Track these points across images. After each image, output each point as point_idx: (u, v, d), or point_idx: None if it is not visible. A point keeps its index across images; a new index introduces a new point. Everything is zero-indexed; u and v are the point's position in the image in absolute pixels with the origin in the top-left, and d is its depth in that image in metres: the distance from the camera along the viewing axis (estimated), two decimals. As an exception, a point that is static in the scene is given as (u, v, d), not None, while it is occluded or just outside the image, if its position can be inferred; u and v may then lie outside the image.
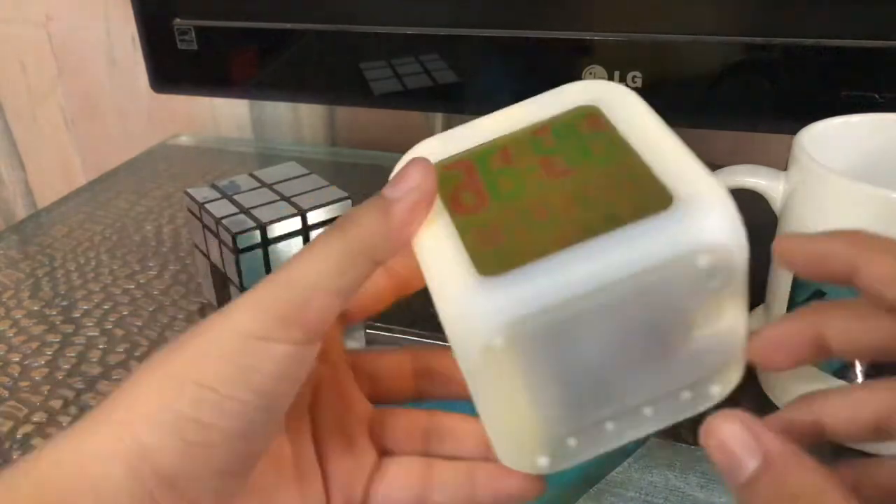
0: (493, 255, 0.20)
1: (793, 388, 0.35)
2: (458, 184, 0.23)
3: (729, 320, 0.21)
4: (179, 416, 0.20)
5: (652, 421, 0.22)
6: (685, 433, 0.35)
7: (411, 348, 0.27)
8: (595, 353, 0.21)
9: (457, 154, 0.24)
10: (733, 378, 0.22)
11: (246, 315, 0.21)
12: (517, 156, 0.23)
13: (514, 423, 0.22)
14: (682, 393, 0.22)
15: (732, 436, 0.17)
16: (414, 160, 0.22)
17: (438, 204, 0.22)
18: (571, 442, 0.22)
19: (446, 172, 0.23)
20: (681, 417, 0.22)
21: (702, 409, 0.22)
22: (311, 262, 0.21)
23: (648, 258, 0.19)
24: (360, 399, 0.26)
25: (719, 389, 0.22)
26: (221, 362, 0.20)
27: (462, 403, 0.24)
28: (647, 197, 0.20)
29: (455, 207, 0.22)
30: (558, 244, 0.20)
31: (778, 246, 0.21)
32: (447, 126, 0.69)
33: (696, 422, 0.20)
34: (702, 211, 0.19)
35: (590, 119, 0.23)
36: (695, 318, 0.21)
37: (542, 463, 0.22)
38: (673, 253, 0.19)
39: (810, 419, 0.21)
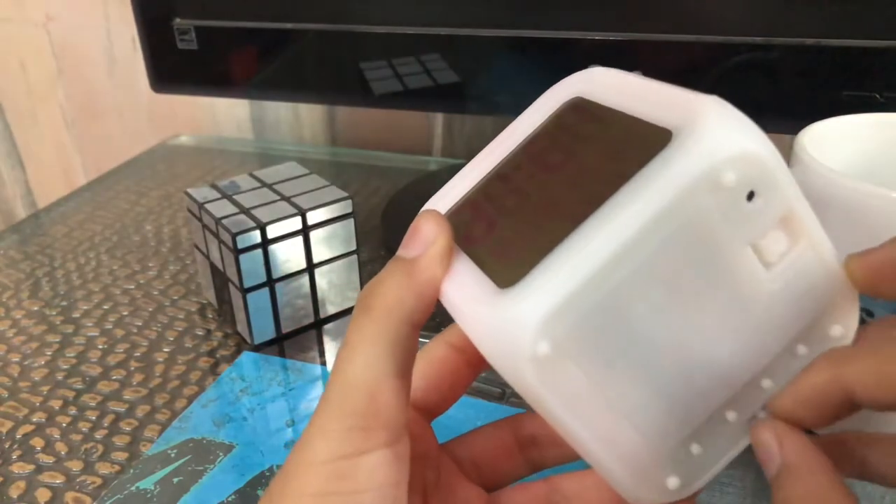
0: (509, 267, 0.19)
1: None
2: (467, 222, 0.21)
3: (803, 242, 0.19)
4: None
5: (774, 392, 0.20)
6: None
7: (508, 419, 0.25)
8: (662, 328, 0.18)
9: (460, 199, 0.23)
10: (849, 314, 0.19)
11: (323, 440, 0.19)
12: (516, 172, 0.22)
13: (619, 445, 0.19)
14: (797, 348, 0.20)
15: (765, 440, 0.19)
16: (422, 213, 0.20)
17: (455, 248, 0.21)
18: (696, 449, 0.20)
19: (455, 219, 0.22)
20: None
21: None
22: (355, 356, 0.19)
23: (662, 198, 0.17)
24: (473, 491, 0.24)
25: (841, 330, 0.20)
26: (322, 500, 0.19)
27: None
28: (646, 144, 0.18)
29: (470, 244, 0.21)
30: (571, 229, 0.18)
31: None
32: (447, 126, 0.70)
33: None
34: (706, 128, 0.17)
35: (575, 109, 0.22)
36: (758, 252, 0.18)
37: (674, 484, 0.20)
38: (688, 181, 0.17)
39: (859, 455, 0.20)
